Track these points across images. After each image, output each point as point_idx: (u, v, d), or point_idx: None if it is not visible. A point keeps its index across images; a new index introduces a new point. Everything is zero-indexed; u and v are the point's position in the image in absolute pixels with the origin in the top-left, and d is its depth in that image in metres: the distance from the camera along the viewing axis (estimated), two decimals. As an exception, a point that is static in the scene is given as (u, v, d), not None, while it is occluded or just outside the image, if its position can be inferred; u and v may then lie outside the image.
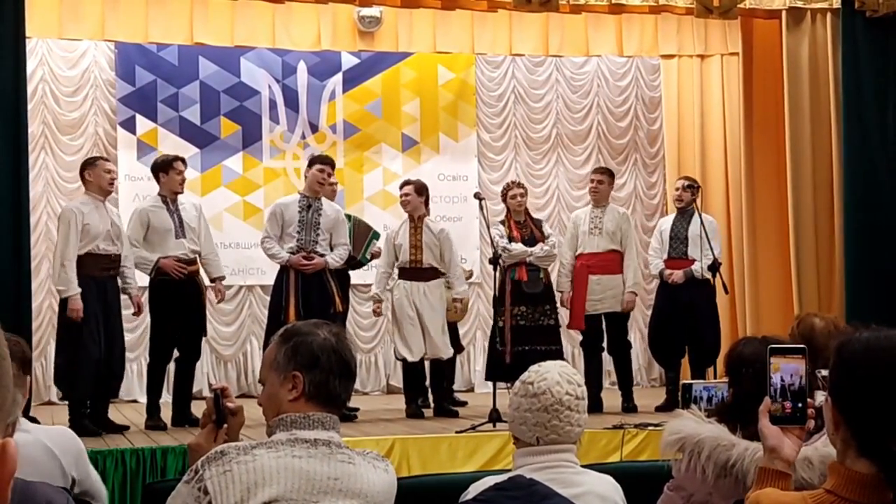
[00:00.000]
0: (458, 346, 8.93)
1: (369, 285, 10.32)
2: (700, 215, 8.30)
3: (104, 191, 7.23)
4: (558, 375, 2.92)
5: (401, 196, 8.16)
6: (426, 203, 8.21)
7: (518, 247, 8.12)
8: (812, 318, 3.67)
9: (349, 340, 2.67)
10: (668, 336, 8.37)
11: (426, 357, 7.96)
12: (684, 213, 8.50)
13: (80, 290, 6.89)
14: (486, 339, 9.28)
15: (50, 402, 9.52)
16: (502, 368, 7.65)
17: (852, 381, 1.93)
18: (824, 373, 2.48)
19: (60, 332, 7.16)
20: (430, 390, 8.22)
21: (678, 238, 8.44)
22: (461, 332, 9.50)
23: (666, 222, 8.69)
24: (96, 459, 6.01)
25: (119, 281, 7.23)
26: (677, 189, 8.59)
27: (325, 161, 7.86)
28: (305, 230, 7.59)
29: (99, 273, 7.06)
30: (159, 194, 7.54)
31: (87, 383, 6.97)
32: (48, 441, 3.48)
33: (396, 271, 8.10)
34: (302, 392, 2.56)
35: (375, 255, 8.45)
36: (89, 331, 6.92)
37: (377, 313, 8.54)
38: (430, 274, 8.00)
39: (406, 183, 8.23)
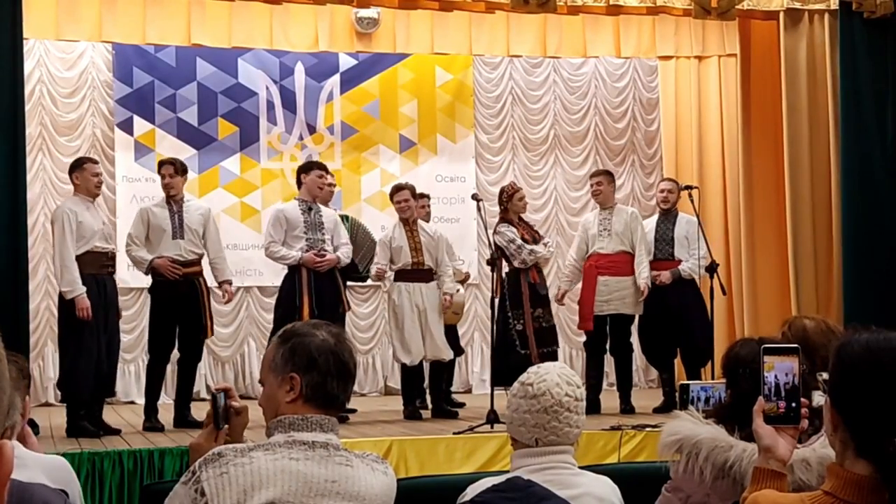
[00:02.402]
0: (458, 349, 8.94)
1: (367, 287, 10.37)
2: (698, 215, 8.30)
3: (91, 193, 7.27)
4: (557, 377, 2.91)
5: (400, 202, 8.02)
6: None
7: (541, 248, 8.08)
8: (801, 319, 3.65)
9: (349, 341, 2.64)
10: (658, 337, 8.38)
11: (426, 359, 7.95)
12: (668, 214, 8.52)
13: (85, 288, 6.93)
14: (484, 340, 9.27)
15: (48, 404, 9.51)
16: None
17: (851, 383, 1.93)
18: (825, 375, 2.48)
19: (64, 335, 7.13)
20: (427, 392, 8.22)
21: (664, 239, 8.45)
22: (459, 332, 9.49)
23: (649, 224, 8.65)
24: (94, 461, 6.02)
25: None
26: (663, 190, 8.61)
27: (322, 166, 7.94)
28: (312, 230, 7.63)
29: (97, 271, 7.10)
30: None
31: (89, 385, 6.99)
32: (47, 479, 3.37)
33: (392, 273, 8.07)
34: (299, 394, 2.54)
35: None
36: (91, 331, 6.95)
37: (382, 274, 7.95)
38: (431, 275, 8.00)
39: (400, 188, 8.14)
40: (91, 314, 6.91)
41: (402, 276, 7.98)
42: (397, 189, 8.16)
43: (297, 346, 2.57)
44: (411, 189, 8.14)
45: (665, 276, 8.31)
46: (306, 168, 7.85)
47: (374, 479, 2.52)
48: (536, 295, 8.03)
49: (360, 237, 8.35)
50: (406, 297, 7.91)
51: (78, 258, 7.01)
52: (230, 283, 7.78)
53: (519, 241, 7.95)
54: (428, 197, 9.01)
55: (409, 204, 8.02)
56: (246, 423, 2.73)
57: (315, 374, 2.54)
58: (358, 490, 2.47)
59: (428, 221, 8.67)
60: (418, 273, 7.97)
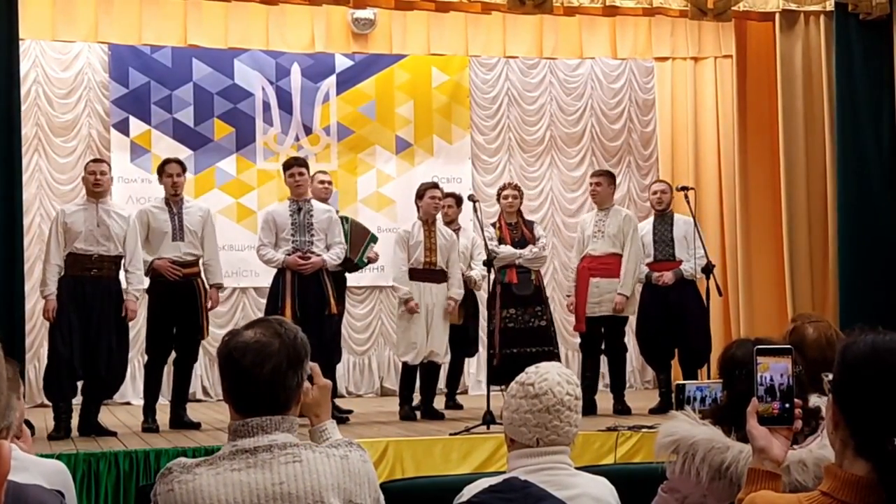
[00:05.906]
0: (471, 349, 9.04)
1: (364, 287, 10.37)
2: (693, 216, 8.31)
3: (92, 192, 7.22)
4: (558, 376, 2.91)
5: (435, 197, 7.96)
6: None
7: (506, 249, 8.14)
8: (806, 326, 3.60)
9: (281, 342, 2.45)
10: (656, 338, 8.38)
11: (424, 359, 7.94)
12: (664, 216, 8.53)
13: (54, 291, 6.99)
14: (480, 341, 9.26)
15: (43, 405, 9.49)
16: (492, 371, 7.67)
17: (855, 381, 1.95)
18: (830, 376, 2.49)
19: None
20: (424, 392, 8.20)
21: (663, 241, 8.45)
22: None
23: (645, 226, 8.63)
24: (90, 462, 6.01)
25: (122, 282, 7.21)
26: (656, 192, 8.61)
27: (290, 164, 7.68)
28: (300, 232, 7.57)
29: (78, 272, 7.05)
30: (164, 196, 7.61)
31: (60, 383, 7.00)
32: (45, 482, 3.36)
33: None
34: (224, 398, 2.52)
35: (372, 260, 8.42)
36: (59, 331, 7.00)
37: (415, 310, 7.83)
38: (441, 276, 7.99)
39: (436, 185, 8.15)
40: (53, 316, 6.99)
41: (414, 275, 7.93)
42: (433, 186, 8.14)
43: (219, 350, 2.52)
44: (442, 191, 8.23)
45: (668, 276, 8.32)
46: (283, 168, 7.78)
47: (327, 468, 2.43)
48: (510, 295, 8.08)
49: (354, 231, 8.31)
50: (416, 296, 7.86)
51: (65, 259, 7.07)
52: (220, 287, 7.74)
53: (488, 242, 7.96)
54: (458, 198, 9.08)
55: (440, 203, 8.07)
56: (314, 402, 2.65)
57: (225, 378, 2.49)
58: (310, 485, 2.40)
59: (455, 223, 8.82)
60: (430, 273, 7.94)
